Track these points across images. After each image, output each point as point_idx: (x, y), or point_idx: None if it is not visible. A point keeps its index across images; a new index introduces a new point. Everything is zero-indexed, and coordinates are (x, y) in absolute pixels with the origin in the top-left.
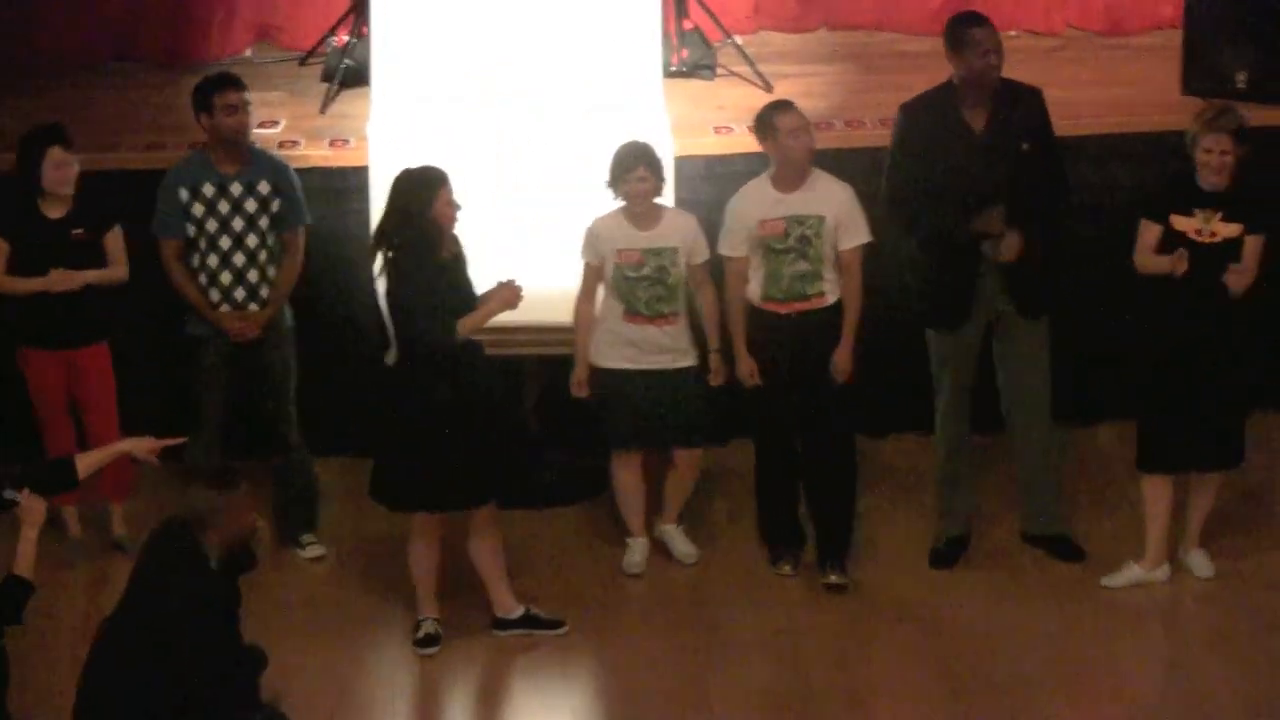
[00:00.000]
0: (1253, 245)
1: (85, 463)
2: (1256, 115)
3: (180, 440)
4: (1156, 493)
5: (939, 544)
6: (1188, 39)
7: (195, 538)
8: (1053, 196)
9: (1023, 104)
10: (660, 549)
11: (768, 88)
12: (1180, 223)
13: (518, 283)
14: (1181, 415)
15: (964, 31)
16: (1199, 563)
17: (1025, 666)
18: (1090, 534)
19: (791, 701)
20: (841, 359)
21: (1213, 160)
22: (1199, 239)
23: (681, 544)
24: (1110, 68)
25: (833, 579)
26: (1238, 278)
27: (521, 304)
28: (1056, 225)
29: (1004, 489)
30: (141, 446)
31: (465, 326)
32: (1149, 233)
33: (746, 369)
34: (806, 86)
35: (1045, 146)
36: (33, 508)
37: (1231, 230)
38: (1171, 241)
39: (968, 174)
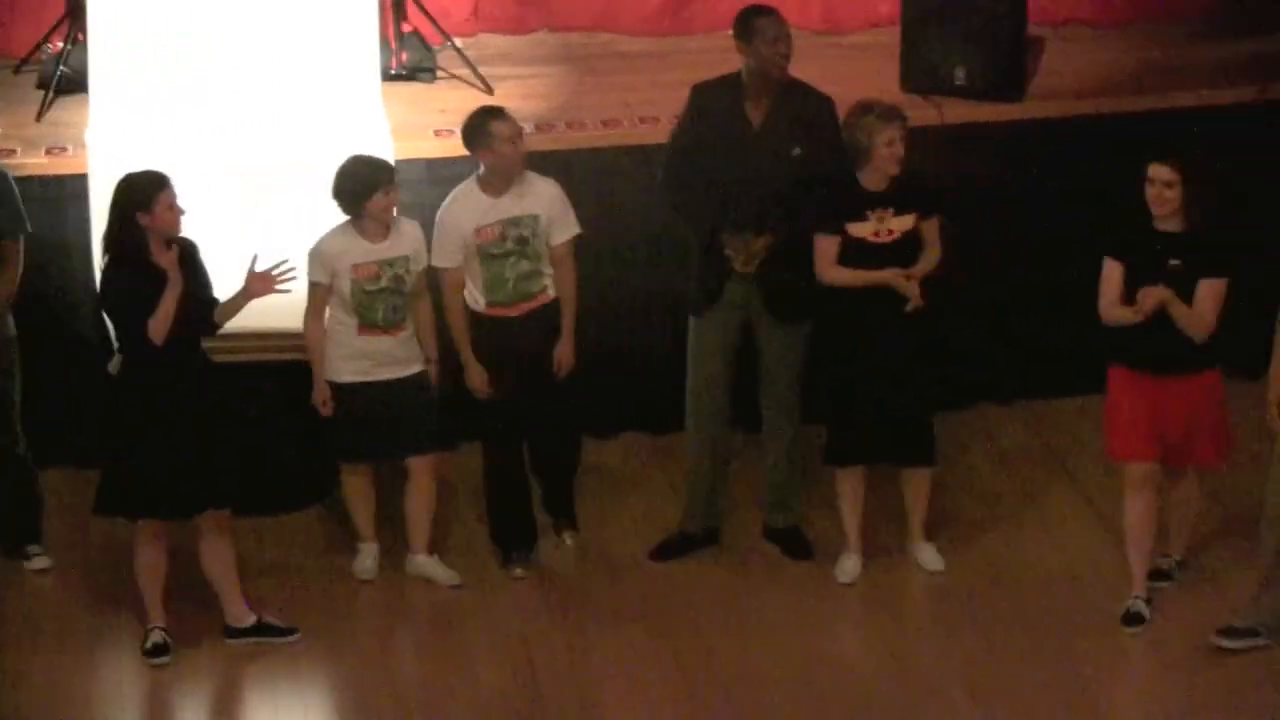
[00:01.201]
0: (930, 228)
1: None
2: (975, 112)
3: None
4: (846, 487)
5: (670, 536)
6: (905, 37)
7: None
8: (810, 203)
9: (808, 108)
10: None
11: (488, 90)
12: (857, 229)
13: (278, 270)
14: (865, 411)
15: (753, 20)
16: (927, 556)
17: (755, 660)
18: (821, 530)
19: (524, 705)
20: (564, 353)
21: (895, 151)
22: (878, 240)
23: (440, 572)
24: (829, 66)
25: (568, 540)
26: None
27: (248, 311)
28: (801, 233)
29: (741, 484)
30: None
31: (221, 316)
32: (827, 246)
33: (478, 379)
34: (527, 88)
35: (825, 154)
36: None
37: (906, 223)
38: (852, 249)
39: (738, 165)
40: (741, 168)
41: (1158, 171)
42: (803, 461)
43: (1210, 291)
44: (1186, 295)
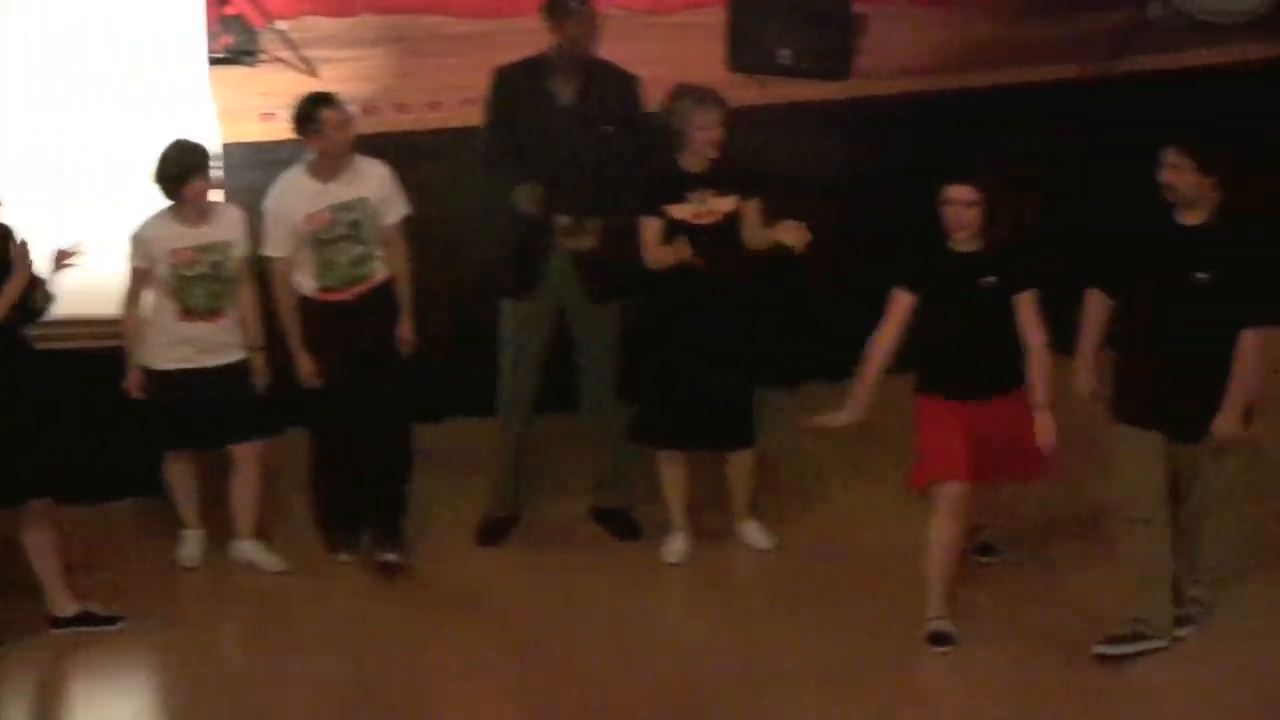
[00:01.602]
0: (752, 210)
1: None
2: (801, 91)
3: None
4: (667, 468)
5: (489, 521)
6: (732, 16)
7: None
8: (628, 183)
9: (616, 87)
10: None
11: (312, 73)
12: (678, 211)
13: (73, 253)
14: (682, 393)
15: (557, 3)
16: (755, 535)
17: (587, 643)
18: (647, 511)
19: (357, 692)
20: (405, 332)
21: (710, 135)
22: (699, 222)
23: (265, 558)
24: (655, 46)
25: (389, 557)
26: (756, 237)
27: (77, 298)
28: (622, 212)
29: (566, 467)
30: None
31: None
32: (650, 228)
33: (307, 368)
34: (352, 71)
35: (634, 132)
36: None
37: (727, 204)
38: (675, 231)
39: (551, 144)
40: (553, 145)
41: (957, 192)
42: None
43: (1029, 305)
44: (1001, 312)
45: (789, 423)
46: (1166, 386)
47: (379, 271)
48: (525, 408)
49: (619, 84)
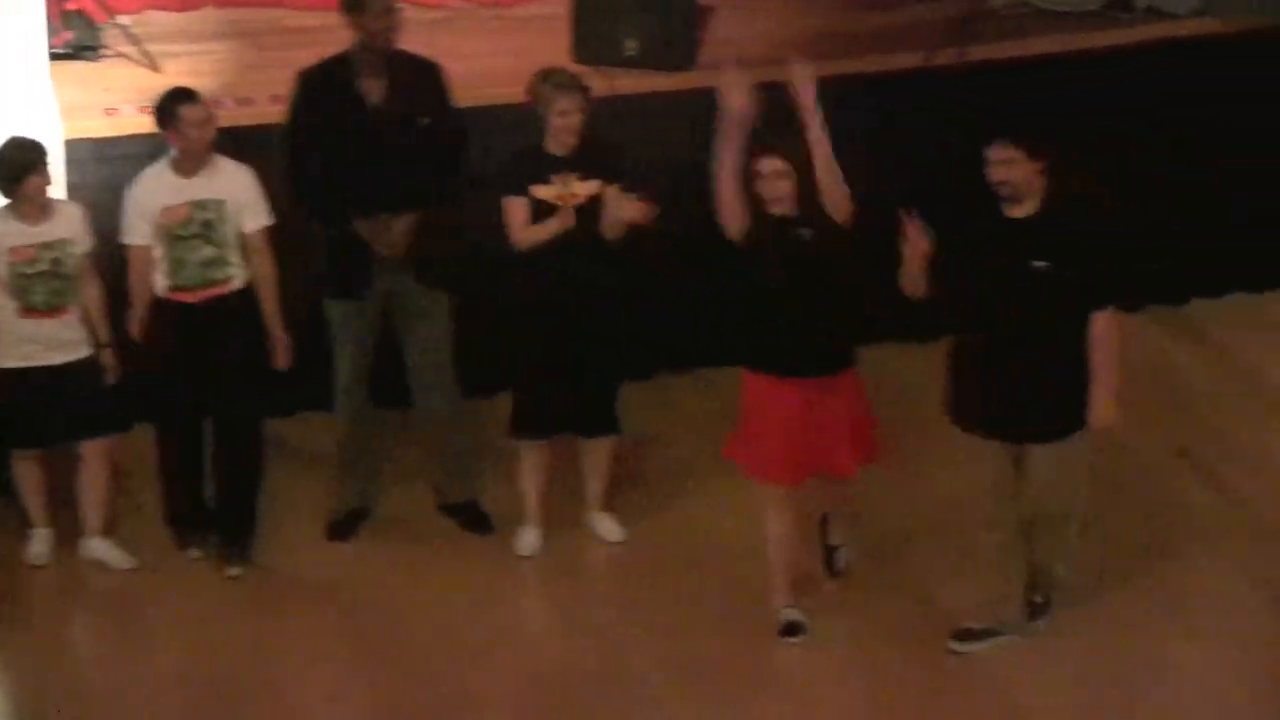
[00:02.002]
0: (613, 194)
1: None
2: (646, 83)
3: None
4: (529, 458)
5: (337, 517)
6: (575, 8)
7: None
8: (451, 171)
9: (421, 77)
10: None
11: (155, 68)
12: (541, 191)
13: None
14: (550, 382)
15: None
16: (607, 527)
17: (438, 637)
18: (496, 503)
19: (205, 688)
20: (278, 340)
21: (570, 121)
22: (562, 204)
23: (115, 555)
24: (498, 39)
25: (233, 572)
26: (611, 226)
27: None
28: (456, 200)
29: (413, 461)
30: None
31: None
32: (516, 209)
33: (136, 325)
34: (195, 65)
35: (444, 120)
36: None
37: (591, 188)
38: (537, 212)
39: (360, 146)
40: (368, 148)
41: (769, 164)
42: (477, 432)
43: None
44: (823, 274)
45: (643, 414)
46: (1000, 388)
47: (234, 278)
48: (360, 403)
49: (424, 74)
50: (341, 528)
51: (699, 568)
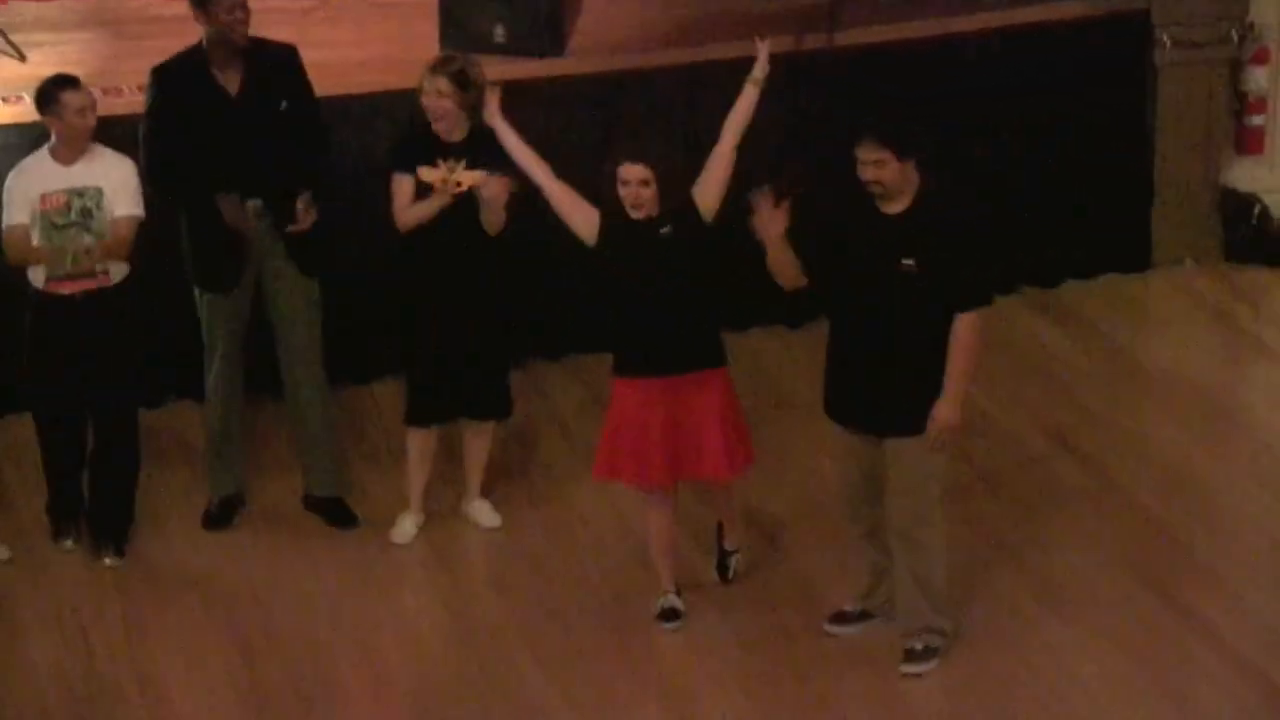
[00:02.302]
0: (496, 186)
1: None
2: (515, 69)
3: None
4: (417, 444)
5: (211, 506)
6: None
7: None
8: (314, 154)
9: (278, 63)
10: None
11: (21, 58)
12: (426, 174)
13: None
14: (442, 367)
15: None
16: (483, 514)
17: (314, 628)
18: (371, 491)
19: (79, 681)
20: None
21: (431, 103)
22: (444, 187)
23: None
24: (367, 27)
25: (107, 561)
26: (490, 216)
27: None
28: (320, 183)
29: (287, 450)
30: None
31: None
32: (402, 187)
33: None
34: (61, 55)
35: (303, 104)
36: None
37: (475, 178)
38: (421, 194)
39: (224, 137)
40: (228, 138)
41: (629, 171)
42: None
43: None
44: (683, 271)
45: (518, 401)
46: (863, 381)
47: (109, 273)
48: (228, 393)
49: (280, 58)
50: (217, 517)
51: (574, 558)
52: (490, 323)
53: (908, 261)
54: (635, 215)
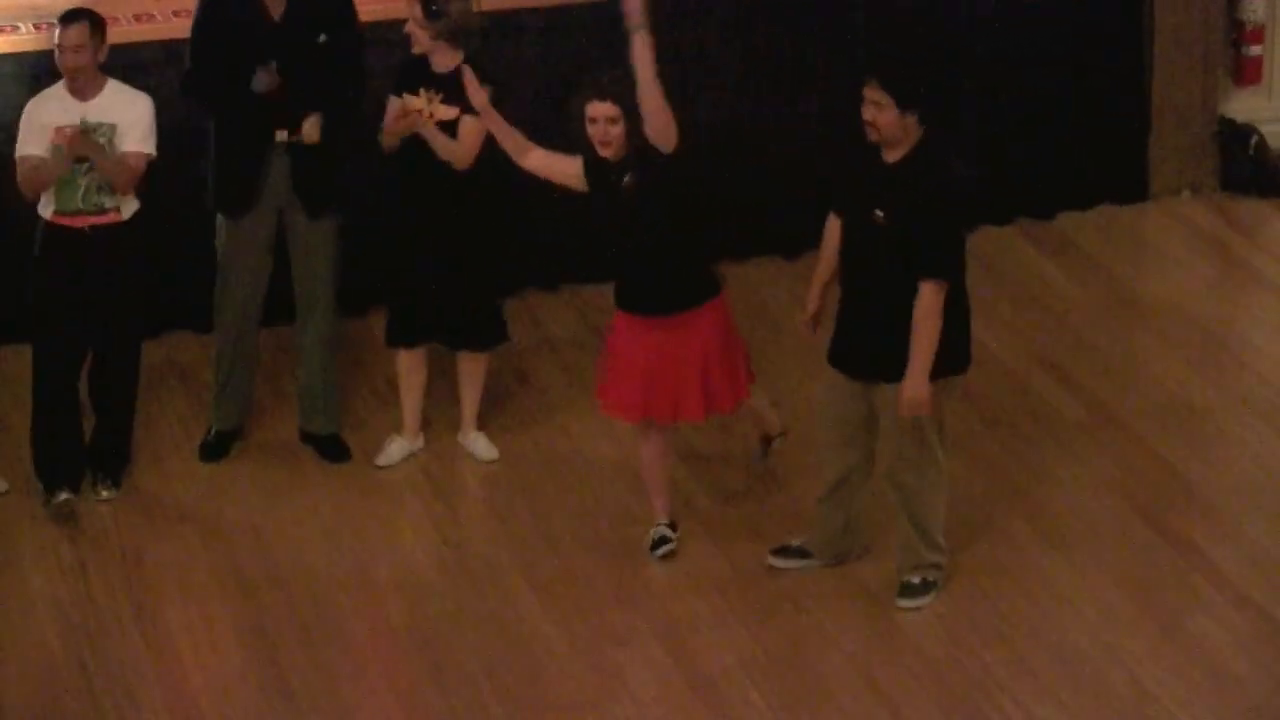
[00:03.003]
0: (468, 126)
1: None
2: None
3: None
4: (405, 366)
5: (209, 436)
6: None
7: None
8: (345, 90)
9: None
10: None
11: None
12: (408, 100)
13: None
14: (423, 291)
15: None
16: (480, 446)
17: (309, 559)
18: (370, 422)
19: (78, 613)
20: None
21: (409, 31)
22: (420, 117)
23: None
24: None
25: (104, 494)
26: (454, 153)
27: None
28: (348, 119)
29: (289, 382)
30: None
31: None
32: (392, 109)
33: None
34: None
35: (346, 39)
36: None
37: (450, 113)
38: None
39: (260, 59)
40: (266, 61)
41: (599, 109)
42: (349, 355)
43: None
44: (653, 216)
45: (513, 333)
46: (854, 325)
47: (120, 210)
48: (240, 322)
49: None
50: (214, 448)
51: (570, 488)
52: (474, 253)
53: (879, 213)
54: (604, 153)
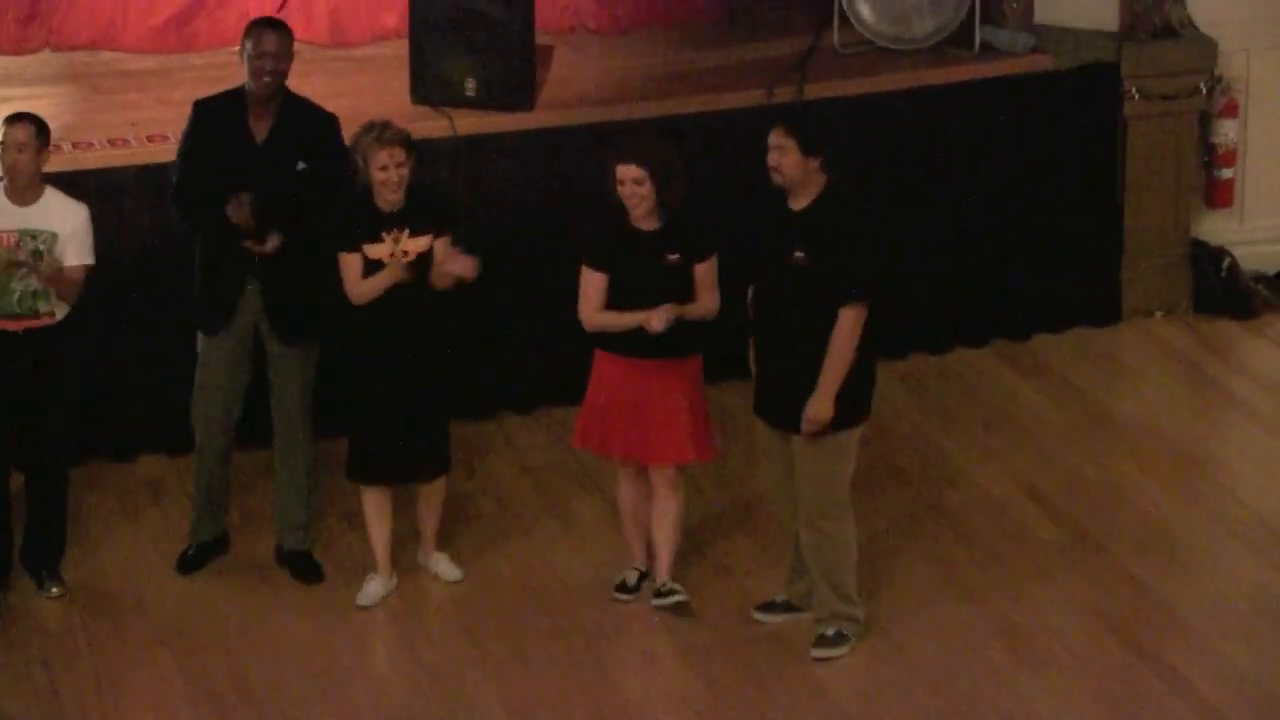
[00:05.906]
0: (442, 247)
1: None
2: (486, 123)
3: None
4: (371, 502)
5: (188, 550)
6: (414, 48)
7: None
8: (317, 219)
9: (310, 125)
10: None
11: None
12: (374, 251)
13: None
14: (385, 426)
15: (246, 35)
16: (444, 568)
17: (286, 680)
18: (344, 539)
19: None
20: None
21: (389, 176)
22: (393, 262)
23: None
24: (340, 79)
25: (54, 592)
26: (439, 277)
27: None
28: (315, 246)
29: (266, 500)
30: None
31: None
32: (351, 264)
33: None
34: (32, 109)
35: (328, 168)
36: None
37: (422, 243)
38: (372, 270)
39: (241, 179)
40: (246, 180)
41: (625, 171)
42: (318, 477)
43: (707, 273)
44: (684, 282)
45: (485, 455)
46: (770, 375)
47: (54, 313)
48: (217, 440)
49: (315, 122)
50: (192, 560)
51: (543, 607)
52: (435, 381)
53: (799, 255)
54: (638, 224)
